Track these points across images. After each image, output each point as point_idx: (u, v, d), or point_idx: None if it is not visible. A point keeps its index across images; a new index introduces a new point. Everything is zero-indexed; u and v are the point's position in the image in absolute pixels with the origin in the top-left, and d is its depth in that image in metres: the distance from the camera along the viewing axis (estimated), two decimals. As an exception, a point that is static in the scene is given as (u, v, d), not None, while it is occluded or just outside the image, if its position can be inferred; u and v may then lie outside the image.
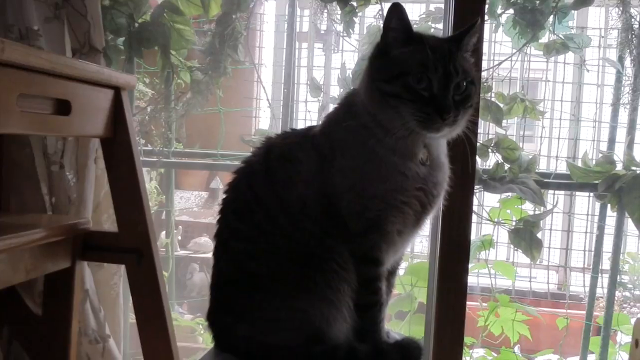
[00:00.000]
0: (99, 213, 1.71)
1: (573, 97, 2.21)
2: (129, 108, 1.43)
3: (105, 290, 1.73)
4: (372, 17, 1.98)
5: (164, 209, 2.50)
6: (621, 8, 1.87)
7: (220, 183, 3.50)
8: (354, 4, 1.89)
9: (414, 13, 2.03)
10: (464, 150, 1.25)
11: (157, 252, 1.44)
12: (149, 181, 2.57)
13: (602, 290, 2.12)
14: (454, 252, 1.55)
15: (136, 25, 2.00)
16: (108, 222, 1.72)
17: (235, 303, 1.09)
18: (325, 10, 2.74)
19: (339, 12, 2.01)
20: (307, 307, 1.03)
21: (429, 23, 2.00)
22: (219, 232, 1.16)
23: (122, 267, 1.68)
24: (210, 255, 1.19)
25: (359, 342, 1.07)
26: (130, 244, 1.42)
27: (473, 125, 1.13)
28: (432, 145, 1.08)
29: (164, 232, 2.50)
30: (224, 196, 1.17)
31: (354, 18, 1.89)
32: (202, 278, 3.34)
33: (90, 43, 1.60)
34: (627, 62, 1.94)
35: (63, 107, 1.23)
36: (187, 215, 3.44)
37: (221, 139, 2.29)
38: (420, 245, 2.42)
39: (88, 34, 1.60)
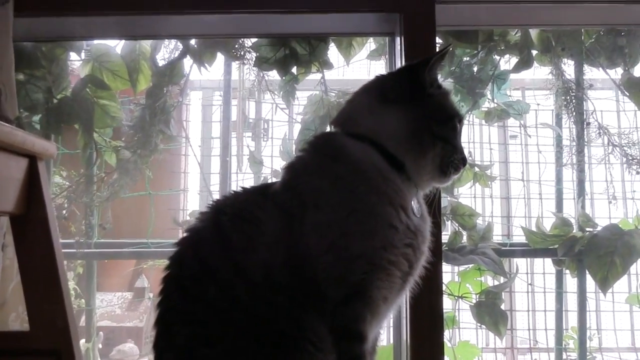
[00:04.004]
0: (6, 312, 1.42)
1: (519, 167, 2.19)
2: (47, 180, 1.21)
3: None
4: (312, 87, 1.90)
5: (83, 311, 2.20)
6: (555, 72, 1.90)
7: (146, 281, 3.18)
8: (294, 72, 1.80)
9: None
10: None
11: (80, 354, 1.17)
12: (65, 282, 2.27)
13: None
14: (426, 327, 1.39)
15: (55, 101, 1.81)
16: (17, 323, 1.43)
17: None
18: (253, 99, 2.67)
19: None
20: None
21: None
22: (160, 317, 0.95)
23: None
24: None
25: None
26: (46, 345, 1.15)
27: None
28: (420, 197, 1.00)
29: (83, 340, 2.18)
30: (165, 273, 0.97)
31: (295, 85, 1.80)
32: (127, 400, 2.93)
33: (1, 112, 1.39)
34: (566, 124, 1.96)
35: (-37, 175, 1.00)
36: (109, 319, 3.07)
37: (151, 225, 2.06)
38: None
39: (-2, 103, 1.40)
